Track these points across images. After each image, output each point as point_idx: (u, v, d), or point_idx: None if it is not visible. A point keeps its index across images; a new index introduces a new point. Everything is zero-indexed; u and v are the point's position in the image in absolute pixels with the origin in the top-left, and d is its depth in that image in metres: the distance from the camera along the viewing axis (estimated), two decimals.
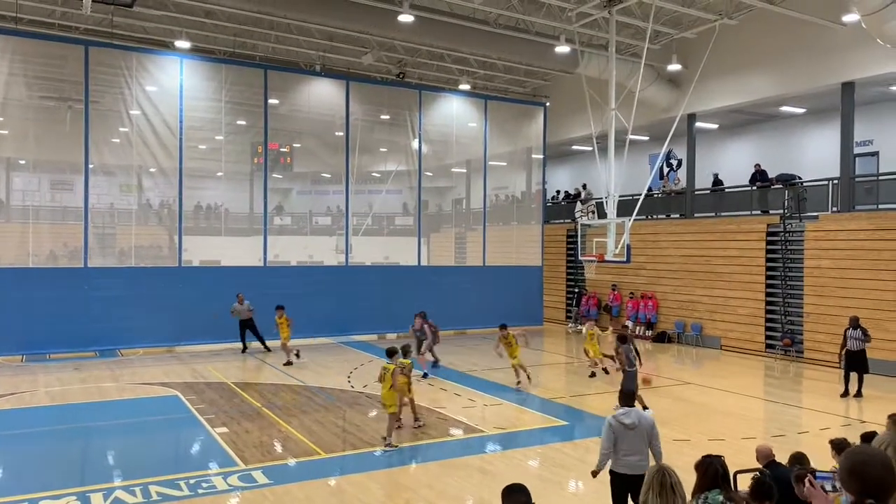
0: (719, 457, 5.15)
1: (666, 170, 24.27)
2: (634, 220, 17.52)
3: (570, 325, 26.44)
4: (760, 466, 6.33)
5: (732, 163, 24.46)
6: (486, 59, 24.47)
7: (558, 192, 30.10)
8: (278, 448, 10.46)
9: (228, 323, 19.10)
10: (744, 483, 6.07)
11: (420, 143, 23.87)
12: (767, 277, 20.06)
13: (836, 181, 18.95)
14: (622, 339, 13.29)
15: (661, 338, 22.60)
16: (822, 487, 3.06)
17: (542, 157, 26.32)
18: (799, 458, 6.22)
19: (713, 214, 22.47)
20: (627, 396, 7.32)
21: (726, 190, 22.75)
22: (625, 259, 16.89)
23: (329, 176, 26.22)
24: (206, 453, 10.14)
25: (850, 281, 17.58)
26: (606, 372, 16.05)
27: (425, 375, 15.95)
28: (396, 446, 10.36)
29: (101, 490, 8.34)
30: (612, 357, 13.99)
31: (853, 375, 14.38)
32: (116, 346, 18.78)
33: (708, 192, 23.28)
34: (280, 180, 26.43)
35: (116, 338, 18.66)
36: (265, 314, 19.99)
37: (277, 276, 21.31)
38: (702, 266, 21.77)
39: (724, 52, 19.61)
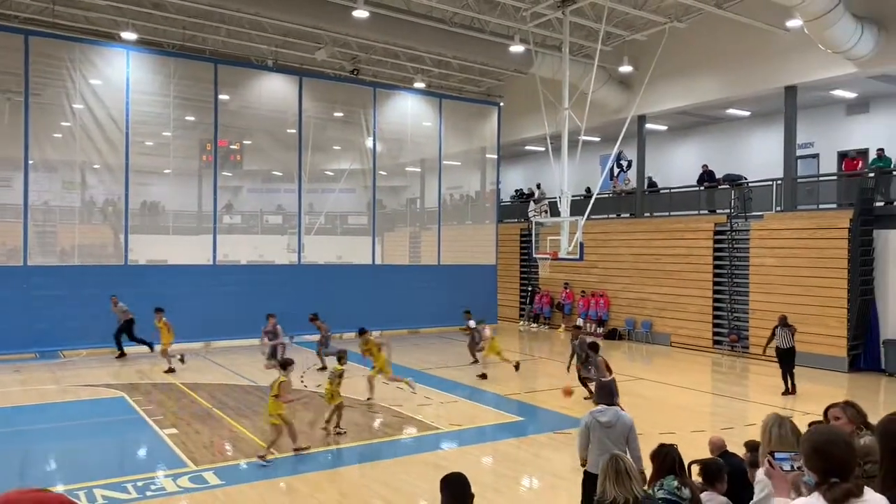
0: (673, 446, 5.24)
1: (616, 170, 24.67)
2: (586, 219, 17.76)
3: (522, 323, 26.64)
4: (713, 457, 6.47)
5: (681, 164, 25.06)
6: (441, 58, 24.47)
7: (518, 191, 30.27)
8: (230, 449, 10.22)
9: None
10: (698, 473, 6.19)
11: (374, 141, 23.71)
12: (715, 275, 20.60)
13: (779, 182, 19.58)
14: (594, 347, 12.49)
15: (612, 335, 22.98)
16: (781, 468, 3.10)
17: (496, 156, 26.47)
18: (753, 446, 6.36)
19: (666, 214, 22.93)
20: (607, 394, 7.11)
21: (674, 190, 23.27)
22: (578, 256, 17.10)
23: (281, 174, 25.81)
24: (154, 455, 9.83)
25: (793, 278, 18.18)
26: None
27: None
28: (269, 461, 9.43)
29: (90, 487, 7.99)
30: (585, 380, 13.62)
31: (771, 378, 15.01)
32: (58, 348, 18.09)
33: (657, 192, 23.77)
34: (230, 178, 25.88)
35: (58, 339, 17.98)
36: (213, 315, 19.58)
37: (227, 275, 20.89)
38: (651, 264, 22.22)
39: (674, 54, 20.05)
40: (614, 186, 24.80)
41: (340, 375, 11.10)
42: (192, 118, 22.08)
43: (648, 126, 24.05)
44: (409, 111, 24.71)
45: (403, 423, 11.96)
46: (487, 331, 16.53)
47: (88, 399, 13.41)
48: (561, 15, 18.33)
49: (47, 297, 17.85)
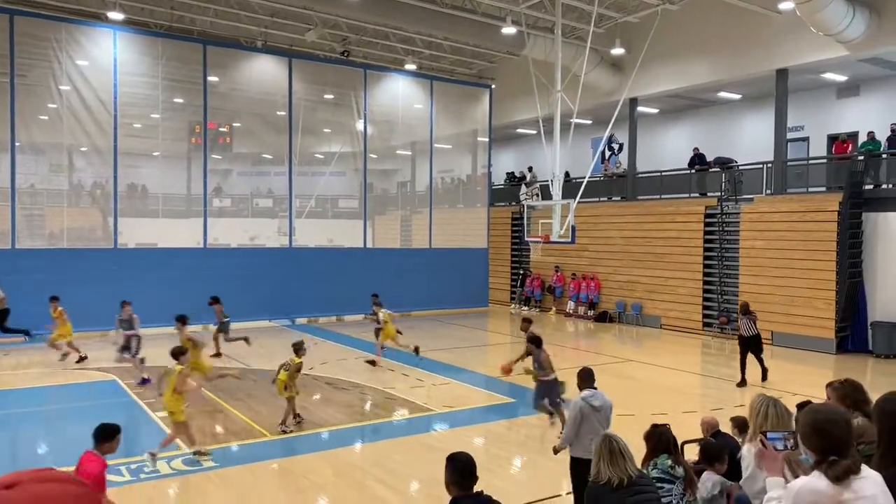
0: (666, 425, 5.29)
1: (608, 153, 24.68)
2: (578, 202, 17.78)
3: (513, 306, 26.74)
4: (706, 437, 6.54)
5: (672, 147, 25.10)
6: (432, 40, 24.29)
7: (510, 174, 30.20)
8: (223, 431, 10.23)
9: (165, 307, 18.50)
10: (690, 453, 6.27)
11: (365, 124, 23.58)
12: (705, 258, 20.72)
13: (769, 165, 19.66)
14: (535, 341, 10.63)
15: (603, 317, 23.11)
16: (774, 447, 3.14)
17: (487, 139, 26.40)
18: (742, 423, 6.45)
19: (657, 197, 22.97)
20: (589, 377, 7.02)
21: (665, 174, 23.31)
22: (570, 239, 17.15)
23: (270, 157, 25.63)
24: (147, 438, 9.81)
25: (782, 261, 18.31)
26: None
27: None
28: (208, 453, 8.85)
29: None
30: (509, 368, 11.41)
31: (751, 365, 13.82)
32: (47, 332, 17.95)
33: (648, 175, 23.80)
34: (219, 161, 25.66)
35: (47, 322, 17.83)
36: (205, 299, 19.48)
37: (218, 258, 20.80)
38: (642, 247, 22.31)
39: (666, 37, 20.00)
40: (605, 169, 24.82)
41: (299, 369, 10.36)
42: (180, 100, 21.83)
43: (640, 109, 24.03)
44: (399, 93, 24.56)
45: (396, 404, 12.02)
46: (381, 314, 15.55)
47: (80, 383, 13.38)
48: None
49: (36, 280, 17.69)
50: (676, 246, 21.33)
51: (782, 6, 17.53)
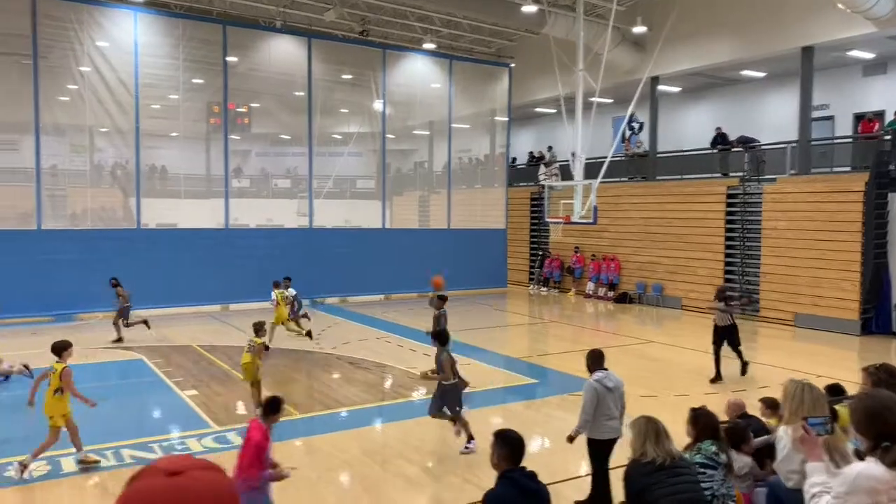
0: (704, 408, 5.30)
1: (628, 133, 24.43)
2: (599, 182, 17.68)
3: (532, 287, 26.74)
4: (732, 419, 6.54)
5: (694, 126, 24.80)
6: (451, 18, 24.09)
7: (531, 153, 30.01)
8: (251, 409, 10.37)
9: (190, 285, 18.76)
10: None
11: (384, 104, 23.51)
12: (727, 239, 20.55)
13: (793, 144, 19.39)
14: (441, 337, 9.22)
15: (623, 298, 23.06)
16: (815, 433, 3.15)
17: (506, 119, 26.24)
18: (773, 404, 6.44)
19: (679, 177, 22.76)
20: (599, 358, 6.96)
21: (687, 153, 23.07)
22: (591, 220, 17.08)
23: (289, 137, 25.68)
24: (177, 416, 10.02)
25: (805, 241, 18.13)
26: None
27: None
28: (96, 461, 7.95)
29: (71, 454, 8.16)
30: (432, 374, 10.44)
31: (726, 357, 12.50)
32: (74, 311, 18.26)
33: (670, 155, 23.58)
34: (238, 142, 25.77)
35: (74, 302, 18.13)
36: (227, 278, 19.69)
37: (238, 238, 20.96)
38: (663, 228, 22.16)
39: (688, 14, 19.70)
40: (626, 149, 24.60)
41: (266, 348, 10.21)
42: (199, 81, 21.88)
43: (661, 88, 23.74)
44: (418, 73, 24.44)
45: (418, 384, 12.11)
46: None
47: (108, 361, 13.60)
48: None
49: (61, 260, 17.96)
50: (698, 227, 21.17)
51: None
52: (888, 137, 18.03)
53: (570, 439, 6.91)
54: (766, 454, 5.53)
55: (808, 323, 17.72)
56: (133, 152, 19.63)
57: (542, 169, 26.59)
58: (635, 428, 4.58)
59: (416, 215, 26.89)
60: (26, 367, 11.83)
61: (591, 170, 19.02)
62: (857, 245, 17.11)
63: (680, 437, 5.28)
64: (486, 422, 10.01)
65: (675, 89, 25.20)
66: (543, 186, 22.50)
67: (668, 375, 12.94)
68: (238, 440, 8.79)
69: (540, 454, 8.97)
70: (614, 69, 22.17)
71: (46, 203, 18.86)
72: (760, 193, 19.62)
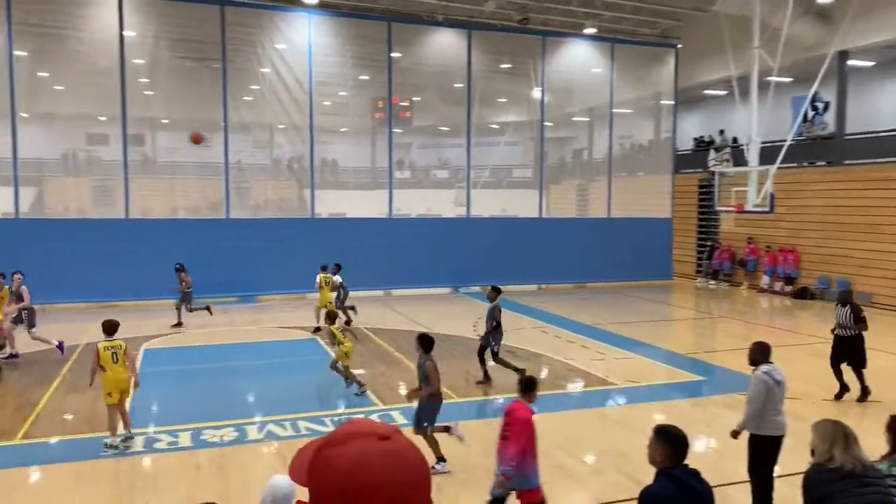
0: None
1: (811, 113, 22.31)
2: (777, 168, 16.34)
3: (700, 279, 25.35)
4: None
5: (890, 104, 22.12)
6: (613, 1, 23.30)
7: (700, 137, 28.38)
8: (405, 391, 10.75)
9: (357, 271, 19.76)
10: None
11: (542, 91, 23.29)
12: None
13: None
14: (425, 342, 8.07)
15: (803, 294, 21.19)
16: None
17: (671, 102, 24.99)
18: None
19: (871, 161, 20.47)
20: (766, 351, 6.68)
21: (881, 134, 20.66)
22: (767, 209, 15.85)
23: (448, 129, 26.22)
24: (346, 393, 10.61)
25: None
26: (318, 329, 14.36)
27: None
28: (119, 447, 8.02)
29: (254, 423, 8.95)
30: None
31: (845, 371, 10.59)
32: (255, 293, 19.96)
33: (861, 136, 21.24)
34: (400, 135, 26.77)
35: (256, 284, 19.81)
36: (391, 265, 20.52)
37: (401, 227, 21.77)
38: (851, 217, 20.04)
39: None
40: (808, 131, 22.50)
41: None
42: (366, 77, 22.99)
43: (851, 62, 21.39)
44: (578, 59, 23.95)
45: (575, 376, 11.93)
46: (318, 278, 15.40)
47: (285, 340, 14.73)
48: None
49: (245, 247, 19.64)
50: (894, 216, 18.92)
51: None
52: None
53: (735, 434, 6.63)
54: None
55: None
56: (307, 147, 21.01)
57: (712, 154, 25.03)
58: (820, 430, 4.19)
59: (574, 204, 26.43)
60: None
61: (767, 154, 17.59)
62: None
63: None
64: (647, 418, 9.66)
65: (868, 64, 22.60)
66: (713, 173, 21.20)
67: (853, 378, 11.71)
68: (402, 419, 9.17)
69: (706, 455, 8.49)
70: (795, 44, 20.26)
71: (233, 194, 20.70)
72: None
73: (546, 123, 23.95)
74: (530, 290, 22.61)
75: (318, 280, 15.41)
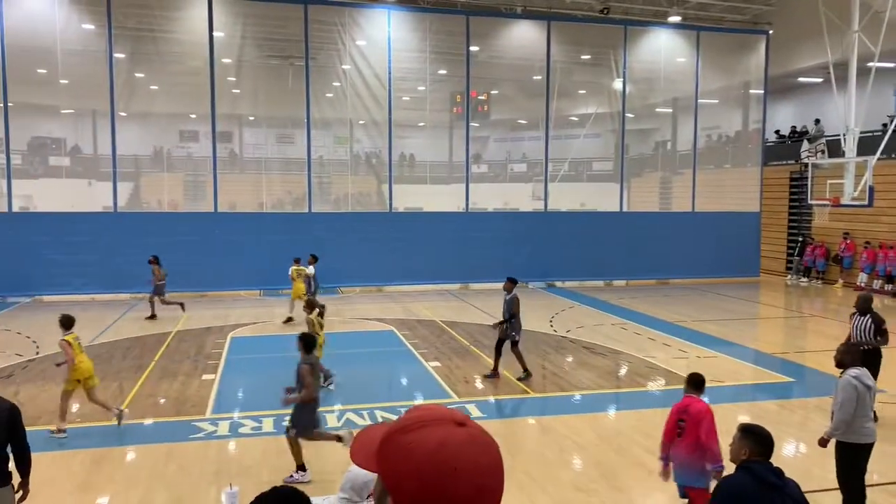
0: None
1: None
2: (877, 159, 15.35)
3: (790, 276, 24.18)
4: None
5: None
6: None
7: (793, 127, 27.01)
8: (490, 384, 10.75)
9: (433, 264, 19.94)
10: None
11: (624, 82, 22.74)
12: None
13: None
14: (306, 342, 7.61)
15: None
16: None
17: (761, 91, 23.88)
18: None
19: None
20: (857, 352, 6.42)
21: None
22: (866, 202, 14.93)
23: (525, 122, 25.99)
24: (422, 385, 10.73)
25: None
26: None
27: None
28: (66, 433, 8.21)
29: (334, 411, 9.16)
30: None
31: None
32: (336, 284, 20.43)
33: None
34: (477, 128, 26.75)
35: (337, 276, 20.26)
36: (467, 259, 20.56)
37: (477, 221, 21.76)
38: None
39: None
40: None
41: (289, 320, 10.13)
42: (444, 72, 23.08)
43: None
44: (661, 48, 23.23)
45: (656, 374, 11.61)
46: (291, 269, 15.56)
47: (364, 331, 15.02)
48: None
49: (327, 239, 20.10)
50: None
51: None
52: None
53: (823, 443, 6.34)
54: None
55: None
56: (386, 142, 21.29)
57: (806, 145, 23.76)
58: None
59: (657, 198, 25.69)
60: None
61: (867, 145, 16.55)
62: None
63: None
64: (732, 419, 9.28)
65: None
66: (807, 165, 20.13)
67: None
68: (477, 412, 9.18)
69: (796, 459, 8.11)
70: None
71: (315, 189, 21.24)
72: None
73: (627, 115, 23.39)
74: (610, 287, 22.17)
75: (290, 271, 15.66)
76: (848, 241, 22.08)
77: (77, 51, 19.09)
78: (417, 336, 14.05)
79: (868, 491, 6.23)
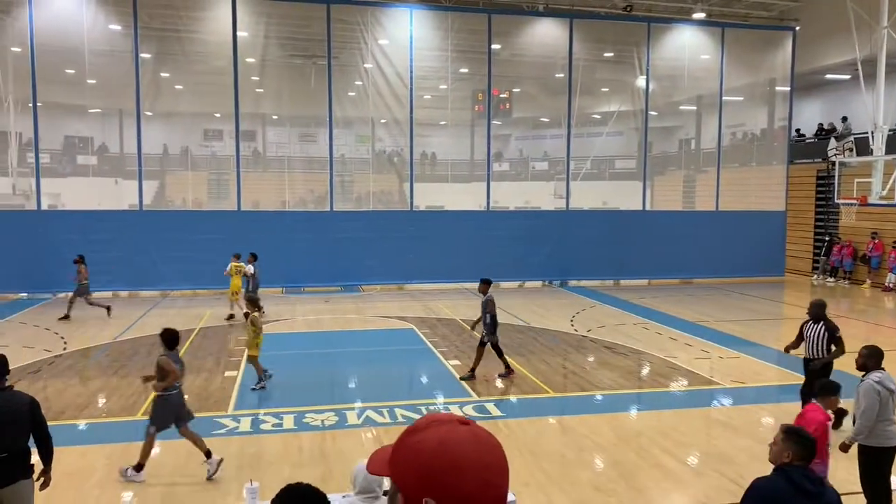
0: None
1: None
2: None
3: (816, 276, 23.81)
4: None
5: None
6: None
7: (821, 125, 26.57)
8: (509, 384, 10.74)
9: (453, 263, 19.95)
10: None
11: (647, 80, 22.54)
12: None
13: None
14: (166, 338, 7.55)
15: None
16: None
17: (787, 88, 23.52)
18: None
19: None
20: (879, 355, 6.37)
21: None
22: (895, 201, 14.65)
23: (547, 120, 25.88)
24: (441, 383, 10.74)
25: None
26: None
27: None
28: None
29: (354, 409, 9.22)
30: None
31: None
32: (358, 283, 20.54)
33: None
34: (499, 126, 26.68)
35: (357, 274, 20.38)
36: (487, 258, 20.52)
37: (499, 220, 21.72)
38: None
39: None
40: None
41: (230, 317, 10.06)
42: (465, 70, 23.06)
43: None
44: (685, 45, 22.98)
45: (678, 374, 11.51)
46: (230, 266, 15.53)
47: (384, 329, 15.08)
48: None
49: (349, 238, 20.20)
50: None
51: None
52: None
53: (845, 447, 6.25)
54: None
55: None
56: (407, 141, 21.33)
57: (833, 143, 23.38)
58: None
59: (680, 196, 25.45)
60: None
61: (895, 143, 16.26)
62: None
63: None
64: (755, 421, 9.20)
65: None
66: (834, 163, 19.81)
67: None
68: (497, 412, 9.20)
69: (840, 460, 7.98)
70: None
71: (337, 188, 21.35)
72: None
73: (651, 113, 23.19)
74: (632, 286, 22.02)
75: (228, 268, 15.63)
76: (876, 241, 21.68)
77: (104, 51, 19.38)
78: (438, 334, 14.08)
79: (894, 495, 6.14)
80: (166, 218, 19.94)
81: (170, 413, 7.18)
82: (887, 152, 15.62)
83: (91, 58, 19.05)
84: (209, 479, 7.03)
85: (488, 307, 10.68)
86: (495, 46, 21.78)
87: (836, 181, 17.74)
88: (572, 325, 15.37)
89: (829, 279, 23.10)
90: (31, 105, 18.67)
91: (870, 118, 15.60)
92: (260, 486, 5.38)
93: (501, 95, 24.27)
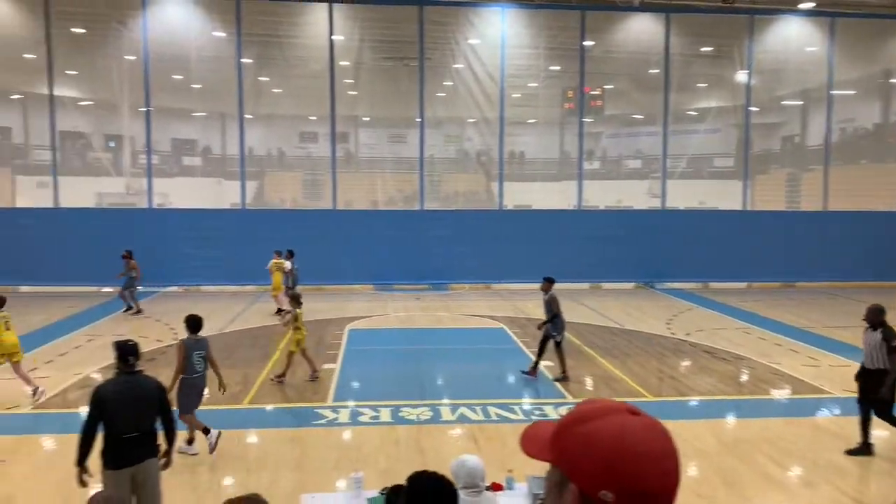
0: None
1: None
2: None
3: None
4: None
5: None
6: None
7: None
8: (604, 386, 10.55)
9: (547, 263, 19.74)
10: None
11: (749, 74, 21.59)
12: None
13: None
14: (190, 324, 8.02)
15: None
16: None
17: None
18: None
19: None
20: None
21: None
22: None
23: (641, 117, 25.23)
24: (534, 383, 10.66)
25: None
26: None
27: None
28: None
29: (448, 405, 9.30)
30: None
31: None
32: (446, 281, 20.68)
33: None
34: (590, 124, 26.23)
35: (446, 273, 20.53)
36: (577, 258, 20.22)
37: (589, 220, 21.34)
38: None
39: None
40: None
41: (279, 311, 10.17)
42: (556, 67, 22.81)
43: None
44: (790, 37, 21.85)
45: (781, 381, 10.96)
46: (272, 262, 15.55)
47: (475, 328, 15.14)
48: None
49: (437, 237, 20.38)
50: None
51: None
52: None
53: None
54: None
55: None
56: (496, 140, 21.32)
57: None
58: None
59: (784, 196, 24.22)
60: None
61: None
62: None
63: None
64: (878, 433, 8.63)
65: None
66: None
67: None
68: None
69: None
70: None
71: (427, 187, 21.60)
72: None
73: (752, 108, 22.20)
74: (732, 288, 21.14)
75: (269, 265, 15.82)
76: None
77: (209, 57, 20.40)
78: (528, 334, 13.97)
79: None
80: (266, 217, 20.75)
81: (195, 395, 7.69)
82: None
83: (197, 64, 20.10)
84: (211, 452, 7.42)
85: (552, 306, 10.57)
86: (588, 43, 21.43)
87: None
88: (669, 329, 14.92)
89: None
90: (142, 110, 19.87)
91: None
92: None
93: (593, 92, 23.87)
